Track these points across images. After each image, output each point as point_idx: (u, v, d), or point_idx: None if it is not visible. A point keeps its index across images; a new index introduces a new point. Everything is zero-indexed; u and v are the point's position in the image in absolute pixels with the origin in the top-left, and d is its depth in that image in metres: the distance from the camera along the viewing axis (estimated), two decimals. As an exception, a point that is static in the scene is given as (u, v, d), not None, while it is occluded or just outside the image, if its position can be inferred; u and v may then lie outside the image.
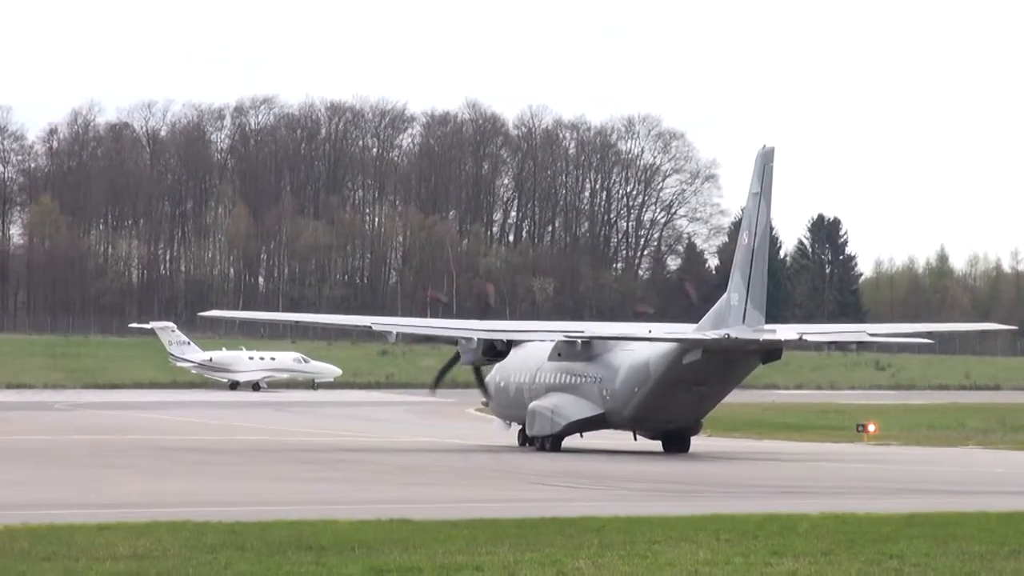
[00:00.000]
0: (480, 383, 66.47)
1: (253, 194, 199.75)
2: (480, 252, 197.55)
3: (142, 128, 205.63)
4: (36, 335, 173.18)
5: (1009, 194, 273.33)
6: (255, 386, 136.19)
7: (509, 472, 50.50)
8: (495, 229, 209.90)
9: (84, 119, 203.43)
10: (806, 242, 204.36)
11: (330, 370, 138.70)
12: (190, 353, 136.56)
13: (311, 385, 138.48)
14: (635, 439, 63.87)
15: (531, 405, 63.40)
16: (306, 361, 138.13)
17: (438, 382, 68.25)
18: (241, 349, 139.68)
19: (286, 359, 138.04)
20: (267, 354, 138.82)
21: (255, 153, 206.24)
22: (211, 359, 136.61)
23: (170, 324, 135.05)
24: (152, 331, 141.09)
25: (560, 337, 63.35)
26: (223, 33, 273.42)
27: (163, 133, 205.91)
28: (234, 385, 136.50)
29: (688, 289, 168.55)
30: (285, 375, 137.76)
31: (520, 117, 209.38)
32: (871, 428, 72.92)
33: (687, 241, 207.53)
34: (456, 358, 65.32)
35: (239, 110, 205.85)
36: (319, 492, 41.85)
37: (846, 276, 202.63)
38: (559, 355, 62.97)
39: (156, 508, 34.65)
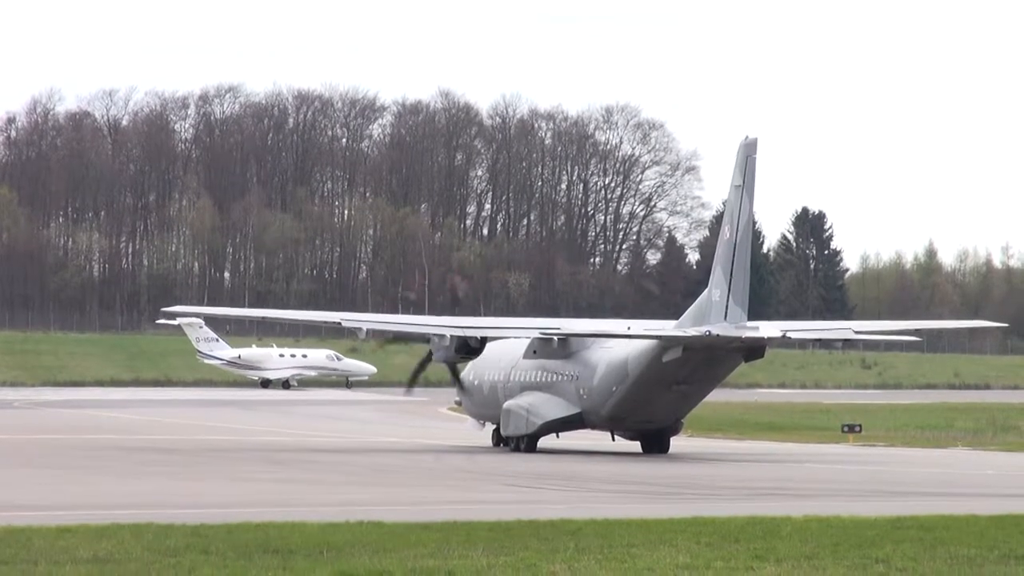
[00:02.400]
0: (455, 378, 65.63)
1: (218, 186, 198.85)
2: (453, 246, 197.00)
3: (103, 117, 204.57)
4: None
5: (999, 187, 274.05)
6: (285, 384, 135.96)
7: (483, 473, 50.20)
8: (469, 222, 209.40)
9: (43, 108, 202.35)
10: (790, 236, 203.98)
11: (364, 368, 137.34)
12: (218, 350, 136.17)
13: (345, 383, 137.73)
14: (613, 439, 63.50)
15: (506, 404, 62.81)
16: (339, 359, 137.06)
17: (413, 381, 67.43)
18: (272, 346, 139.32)
19: (318, 357, 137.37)
20: (298, 351, 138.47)
21: (220, 143, 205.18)
22: (240, 356, 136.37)
23: (198, 320, 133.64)
24: (111, 328, 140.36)
25: (536, 334, 62.79)
26: (187, 19, 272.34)
27: (125, 122, 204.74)
28: (265, 383, 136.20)
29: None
30: (315, 373, 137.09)
31: (494, 107, 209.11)
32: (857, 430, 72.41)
33: (667, 235, 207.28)
34: (429, 356, 64.51)
35: (204, 99, 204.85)
36: (287, 494, 41.53)
37: (831, 272, 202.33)
38: (534, 352, 62.46)
39: (118, 510, 34.40)
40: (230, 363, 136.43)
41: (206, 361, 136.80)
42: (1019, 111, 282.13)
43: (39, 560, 26.14)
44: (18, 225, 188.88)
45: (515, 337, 64.17)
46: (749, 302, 57.93)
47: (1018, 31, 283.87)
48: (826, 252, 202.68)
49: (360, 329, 65.69)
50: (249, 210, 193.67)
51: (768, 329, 60.68)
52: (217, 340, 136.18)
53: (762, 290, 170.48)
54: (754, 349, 59.07)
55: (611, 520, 32.47)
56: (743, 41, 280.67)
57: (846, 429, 72.84)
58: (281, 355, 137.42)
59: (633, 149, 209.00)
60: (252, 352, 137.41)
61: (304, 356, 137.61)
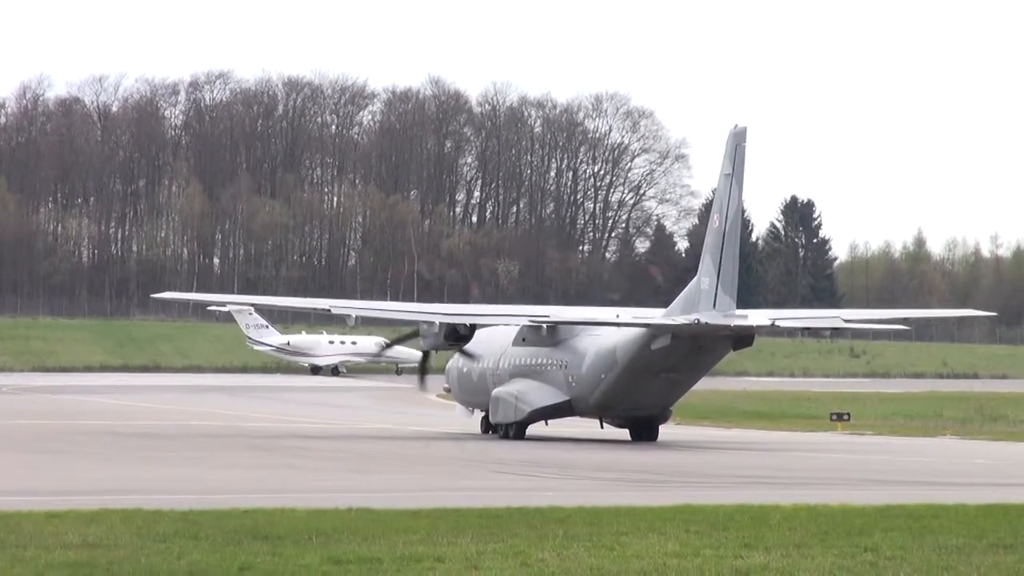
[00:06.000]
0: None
1: (208, 172, 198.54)
2: (443, 233, 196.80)
3: (93, 103, 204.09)
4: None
5: (988, 177, 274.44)
6: (334, 370, 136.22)
7: (472, 460, 50.12)
8: (458, 209, 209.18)
9: (33, 93, 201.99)
10: (779, 225, 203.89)
11: (414, 355, 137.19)
12: (268, 336, 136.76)
13: (395, 370, 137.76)
14: (602, 427, 63.44)
15: (494, 391, 62.79)
16: (388, 346, 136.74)
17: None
18: (321, 333, 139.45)
19: (367, 343, 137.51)
20: (348, 338, 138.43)
21: (210, 130, 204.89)
22: (289, 343, 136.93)
23: (248, 307, 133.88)
24: (100, 314, 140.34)
25: (525, 321, 62.71)
26: (177, 6, 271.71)
27: (115, 108, 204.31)
28: (315, 369, 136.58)
29: (654, 273, 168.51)
30: (364, 359, 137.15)
31: (484, 94, 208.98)
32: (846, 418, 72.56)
33: (656, 223, 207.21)
34: (426, 355, 64.85)
35: (194, 85, 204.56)
36: (276, 480, 41.47)
37: (820, 260, 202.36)
38: (524, 340, 62.46)
39: (107, 495, 34.29)
40: (279, 349, 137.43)
41: (256, 347, 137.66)
42: (1008, 101, 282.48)
43: (28, 545, 26.05)
44: (7, 211, 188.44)
45: (504, 324, 64.17)
46: (738, 290, 57.95)
47: (1007, 22, 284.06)
48: (815, 241, 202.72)
49: (349, 316, 65.72)
50: (238, 196, 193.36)
51: (757, 317, 60.72)
52: (267, 327, 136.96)
53: (751, 278, 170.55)
54: (743, 337, 59.08)
55: (600, 508, 32.42)
56: (733, 29, 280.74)
57: (834, 417, 72.94)
58: (331, 341, 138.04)
59: (622, 137, 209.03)
60: (301, 338, 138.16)
61: (354, 343, 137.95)
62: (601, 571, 24.53)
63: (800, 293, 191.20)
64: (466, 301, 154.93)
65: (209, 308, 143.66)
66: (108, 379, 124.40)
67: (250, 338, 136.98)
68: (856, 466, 50.72)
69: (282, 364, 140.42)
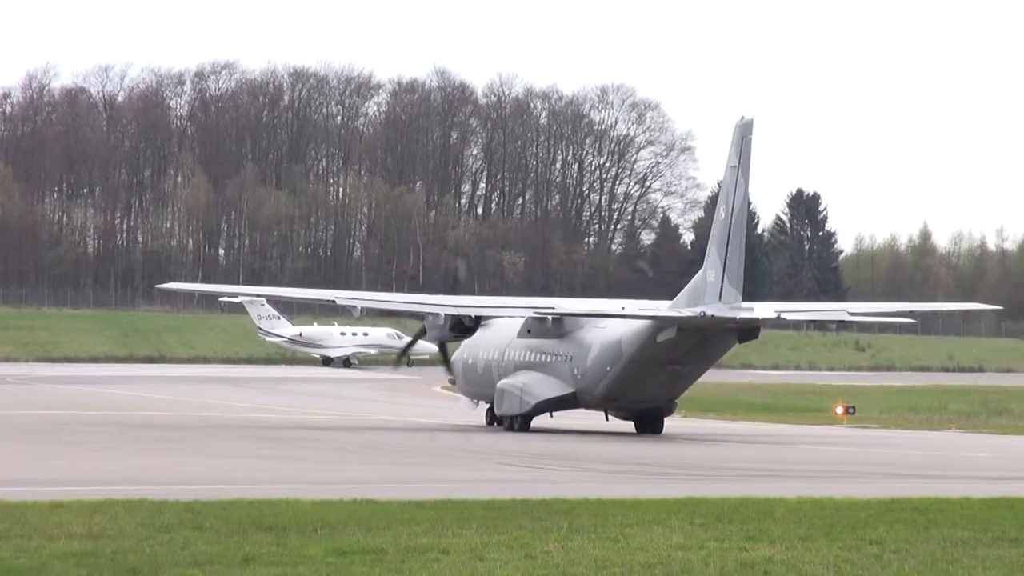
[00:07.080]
0: (445, 360, 65.94)
1: (213, 162, 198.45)
2: (448, 225, 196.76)
3: (99, 93, 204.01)
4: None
5: (994, 170, 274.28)
6: (346, 362, 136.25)
7: (476, 452, 50.12)
8: (464, 201, 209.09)
9: (39, 83, 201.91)
10: (784, 217, 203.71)
11: (424, 346, 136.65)
12: (280, 328, 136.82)
13: (406, 362, 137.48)
14: (607, 419, 63.46)
15: (499, 383, 62.80)
16: (400, 337, 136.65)
17: (401, 357, 67.71)
18: (333, 324, 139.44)
19: (379, 335, 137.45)
20: (359, 329, 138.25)
21: (215, 120, 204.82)
22: (301, 334, 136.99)
23: (260, 298, 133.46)
24: (105, 304, 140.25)
25: (530, 313, 62.72)
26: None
27: (120, 98, 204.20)
28: (326, 361, 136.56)
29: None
30: (376, 351, 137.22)
31: (490, 85, 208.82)
32: (839, 410, 72.56)
33: (662, 215, 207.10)
34: (422, 333, 64.60)
35: (199, 75, 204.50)
36: (280, 471, 41.47)
37: (826, 253, 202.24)
38: (529, 332, 62.44)
39: (111, 486, 34.42)
40: (291, 341, 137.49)
41: (268, 339, 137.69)
42: (1014, 95, 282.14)
43: (32, 535, 26.11)
44: (13, 201, 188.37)
45: (509, 316, 64.16)
46: (743, 283, 57.91)
47: (1013, 14, 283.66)
48: (821, 233, 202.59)
49: (354, 307, 65.76)
50: (244, 187, 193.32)
51: (762, 310, 60.63)
52: (278, 318, 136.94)
53: (756, 271, 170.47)
54: (748, 330, 59.01)
55: (604, 500, 32.46)
56: (739, 21, 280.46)
57: (840, 411, 72.95)
58: (342, 333, 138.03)
59: (628, 129, 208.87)
60: (313, 330, 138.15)
61: (365, 334, 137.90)
62: (605, 563, 24.51)
63: (806, 286, 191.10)
64: (471, 293, 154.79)
65: (220, 299, 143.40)
66: (113, 370, 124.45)
67: (261, 329, 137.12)
68: (861, 459, 50.74)
69: (293, 355, 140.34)
